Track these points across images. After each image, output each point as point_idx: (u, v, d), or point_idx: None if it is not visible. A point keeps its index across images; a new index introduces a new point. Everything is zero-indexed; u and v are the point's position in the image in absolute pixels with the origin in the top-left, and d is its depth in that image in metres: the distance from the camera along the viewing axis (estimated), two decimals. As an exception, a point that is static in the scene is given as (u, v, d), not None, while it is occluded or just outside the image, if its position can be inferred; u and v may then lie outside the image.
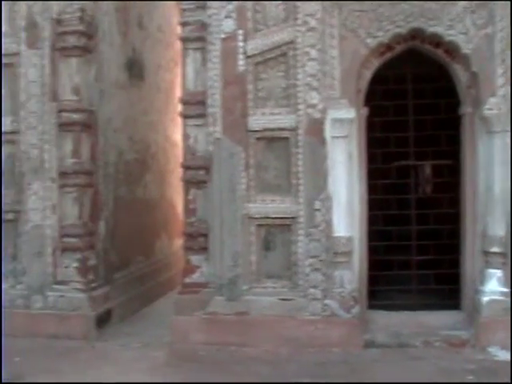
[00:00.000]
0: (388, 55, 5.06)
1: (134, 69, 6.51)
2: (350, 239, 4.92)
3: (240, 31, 4.98)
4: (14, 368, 4.54)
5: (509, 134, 4.75)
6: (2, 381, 4.22)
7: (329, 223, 4.88)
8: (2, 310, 5.40)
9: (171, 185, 7.26)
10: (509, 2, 4.71)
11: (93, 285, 5.50)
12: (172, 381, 4.33)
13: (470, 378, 4.24)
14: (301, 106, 4.89)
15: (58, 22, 5.35)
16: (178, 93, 6.07)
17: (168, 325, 5.20)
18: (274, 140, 5.03)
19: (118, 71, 6.10)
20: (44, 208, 5.40)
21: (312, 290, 4.90)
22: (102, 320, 5.49)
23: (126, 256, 6.26)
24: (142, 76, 6.71)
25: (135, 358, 4.85)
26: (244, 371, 4.46)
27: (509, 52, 4.71)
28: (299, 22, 4.89)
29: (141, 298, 6.35)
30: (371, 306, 5.19)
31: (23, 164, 5.41)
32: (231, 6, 4.98)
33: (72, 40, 5.36)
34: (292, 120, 4.93)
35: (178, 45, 5.48)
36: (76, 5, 5.32)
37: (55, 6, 5.33)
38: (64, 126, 5.40)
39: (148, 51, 6.82)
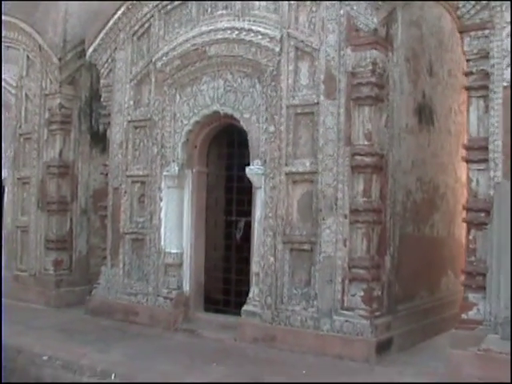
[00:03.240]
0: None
1: (424, 114, 7.22)
2: None
3: (523, 79, 5.44)
4: (298, 378, 5.59)
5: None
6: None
7: None
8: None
9: (459, 225, 7.74)
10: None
11: (376, 313, 6.29)
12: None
13: None
14: None
15: (353, 74, 6.33)
16: (467, 135, 6.66)
17: (444, 358, 5.77)
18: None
19: (407, 117, 6.87)
20: (336, 241, 6.36)
21: None
22: (383, 347, 6.23)
23: (410, 290, 6.94)
24: (431, 120, 7.39)
25: (410, 384, 5.55)
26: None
27: None
28: None
29: (422, 331, 6.92)
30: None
31: (319, 201, 6.46)
32: (514, 55, 5.47)
33: (365, 90, 6.28)
34: None
35: (468, 90, 6.10)
36: (369, 58, 6.27)
37: (349, 60, 6.33)
38: (357, 168, 6.31)
39: (438, 96, 7.47)
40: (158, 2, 7.79)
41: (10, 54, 9.63)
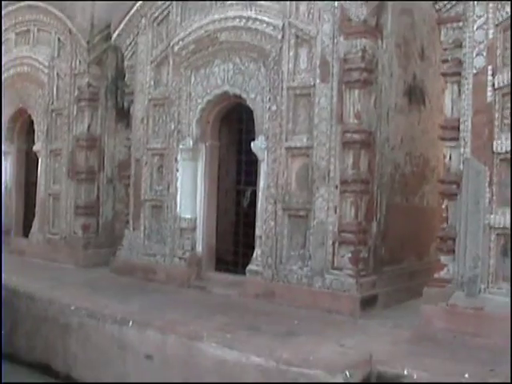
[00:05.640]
0: None
1: (414, 94, 7.93)
2: None
3: (489, 67, 6.10)
4: (290, 327, 6.38)
5: None
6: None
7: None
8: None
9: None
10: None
11: (362, 273, 7.07)
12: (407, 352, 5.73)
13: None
14: (542, 132, 5.85)
15: (345, 60, 7.05)
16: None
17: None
18: (516, 161, 6.06)
19: (396, 98, 7.58)
20: (328, 208, 7.14)
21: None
22: (367, 303, 7.02)
23: (397, 253, 7.69)
24: (423, 100, 8.11)
25: (385, 334, 6.29)
26: (467, 354, 5.59)
27: None
28: (545, 57, 5.86)
29: (409, 291, 7.57)
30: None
31: (314, 173, 7.24)
32: (482, 45, 6.15)
33: (355, 75, 7.01)
34: (530, 144, 5.91)
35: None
36: (359, 46, 6.99)
37: (342, 47, 7.05)
38: (347, 144, 7.06)
39: (430, 78, 8.15)
40: (176, -10, 8.57)
41: (41, 36, 10.52)
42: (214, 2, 8.17)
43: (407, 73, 7.83)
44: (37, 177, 10.67)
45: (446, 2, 6.38)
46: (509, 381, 4.59)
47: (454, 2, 6.34)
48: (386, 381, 5.23)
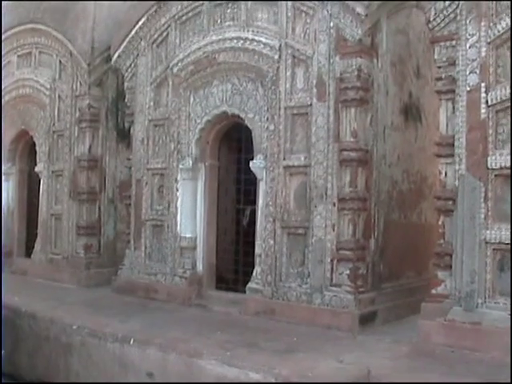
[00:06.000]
0: None
1: (411, 112, 8.03)
2: None
3: (483, 84, 6.20)
4: (290, 344, 6.42)
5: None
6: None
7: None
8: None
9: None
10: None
11: (360, 289, 7.12)
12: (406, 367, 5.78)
13: None
14: (534, 148, 5.94)
15: (341, 79, 7.15)
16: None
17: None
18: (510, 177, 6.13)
19: (392, 115, 7.67)
20: (326, 226, 7.20)
21: (536, 309, 5.88)
22: (366, 319, 7.06)
23: (396, 270, 7.75)
24: (419, 118, 8.21)
25: (384, 349, 6.33)
26: (465, 369, 5.64)
27: None
28: (536, 73, 5.96)
29: (408, 307, 7.62)
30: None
31: (312, 191, 7.30)
32: (475, 62, 6.25)
33: (351, 94, 7.10)
34: (527, 160, 5.98)
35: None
36: (354, 65, 7.09)
37: (338, 67, 7.16)
38: (344, 162, 7.14)
39: (426, 96, 8.26)
40: (174, 13, 8.70)
41: (43, 58, 10.67)
42: (211, 23, 8.28)
43: (403, 91, 7.93)
44: (39, 197, 10.77)
45: (439, 21, 6.48)
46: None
47: (447, 21, 6.45)
48: (384, 396, 5.29)
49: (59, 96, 10.40)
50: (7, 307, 7.95)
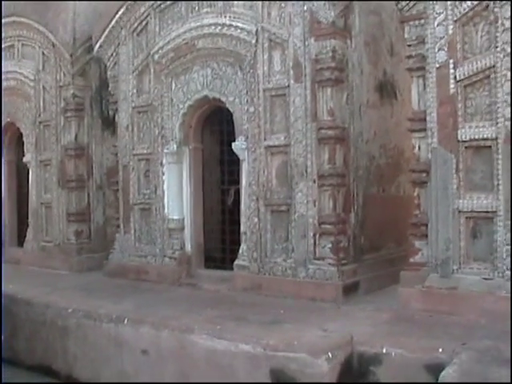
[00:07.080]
0: None
1: (386, 89, 8.28)
2: None
3: (451, 60, 6.44)
4: (276, 316, 6.68)
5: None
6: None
7: (523, 217, 6.10)
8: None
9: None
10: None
11: (343, 261, 7.39)
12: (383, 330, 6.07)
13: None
14: (500, 120, 6.20)
15: (316, 61, 7.37)
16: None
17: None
18: (480, 148, 6.38)
19: (368, 93, 7.92)
20: (307, 202, 7.46)
21: (508, 272, 6.17)
22: (349, 289, 7.35)
23: (376, 242, 8.04)
24: (394, 94, 8.46)
25: (366, 317, 6.61)
26: (442, 331, 5.91)
27: None
28: (499, 49, 6.21)
29: (390, 277, 7.80)
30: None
31: (293, 169, 7.55)
32: (443, 40, 6.48)
33: (326, 74, 7.32)
34: (493, 132, 6.25)
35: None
36: (329, 47, 7.31)
37: (313, 48, 7.38)
38: (322, 140, 7.38)
39: (400, 73, 8.46)
40: (153, 1, 8.87)
41: (26, 51, 10.80)
42: (190, 11, 8.46)
43: (377, 69, 8.17)
44: (28, 187, 10.94)
45: (407, 2, 6.70)
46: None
47: (414, 2, 6.67)
48: (366, 360, 5.57)
49: (44, 87, 10.54)
50: (3, 295, 8.17)
